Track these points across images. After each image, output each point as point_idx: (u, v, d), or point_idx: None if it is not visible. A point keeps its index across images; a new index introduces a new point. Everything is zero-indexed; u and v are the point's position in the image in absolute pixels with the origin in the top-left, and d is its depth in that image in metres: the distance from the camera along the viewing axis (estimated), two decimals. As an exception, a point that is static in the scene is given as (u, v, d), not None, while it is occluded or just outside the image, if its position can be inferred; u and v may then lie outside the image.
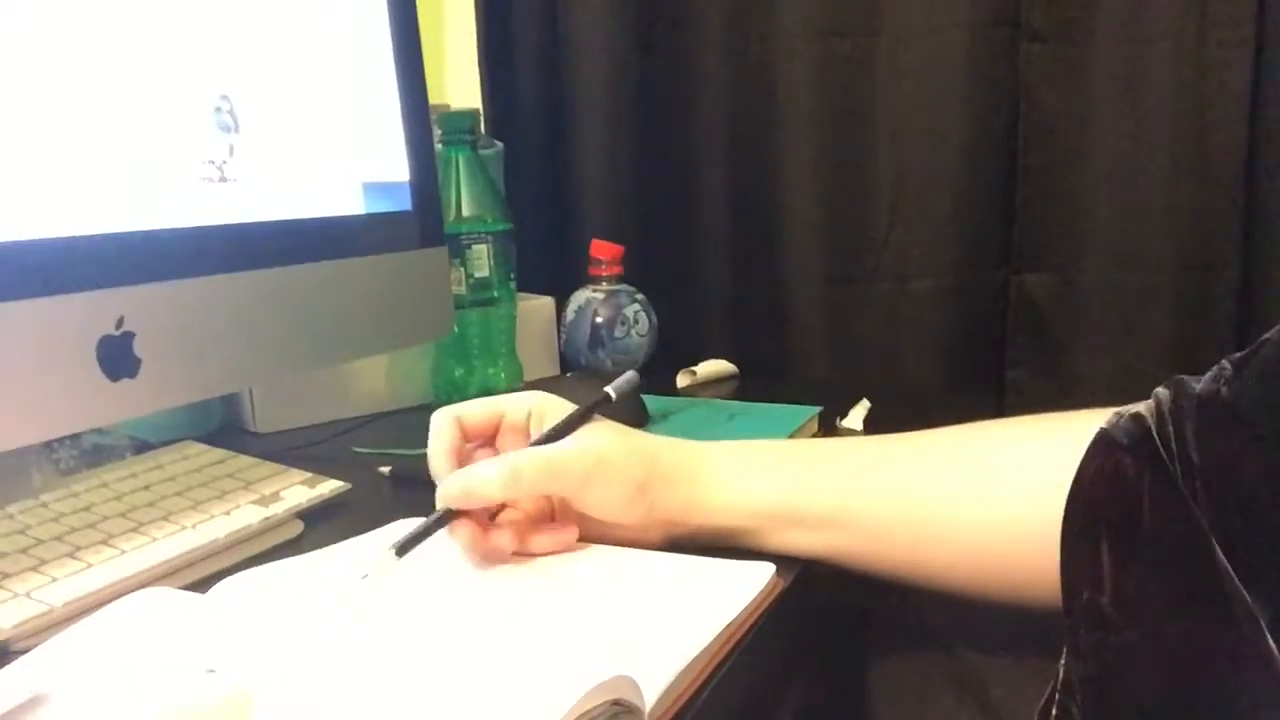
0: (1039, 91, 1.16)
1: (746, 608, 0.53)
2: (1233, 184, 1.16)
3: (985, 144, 1.17)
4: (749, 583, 0.54)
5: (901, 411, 0.94)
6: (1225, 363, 0.49)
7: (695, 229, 1.22)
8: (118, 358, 0.60)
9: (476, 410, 0.62)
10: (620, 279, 1.07)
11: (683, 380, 1.06)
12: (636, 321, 1.06)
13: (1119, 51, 1.14)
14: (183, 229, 0.65)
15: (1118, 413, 0.51)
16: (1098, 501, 0.49)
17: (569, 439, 0.60)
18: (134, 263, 0.62)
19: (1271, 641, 0.43)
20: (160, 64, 0.64)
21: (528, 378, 1.01)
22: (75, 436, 0.73)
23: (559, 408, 0.61)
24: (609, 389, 0.65)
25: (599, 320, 1.05)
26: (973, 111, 1.17)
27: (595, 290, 1.07)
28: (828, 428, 0.87)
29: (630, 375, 0.66)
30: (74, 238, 0.58)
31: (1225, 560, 0.45)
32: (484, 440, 0.63)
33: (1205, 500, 0.46)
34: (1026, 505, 0.53)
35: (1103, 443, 0.50)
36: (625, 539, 0.60)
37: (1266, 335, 0.48)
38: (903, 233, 1.19)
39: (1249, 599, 0.44)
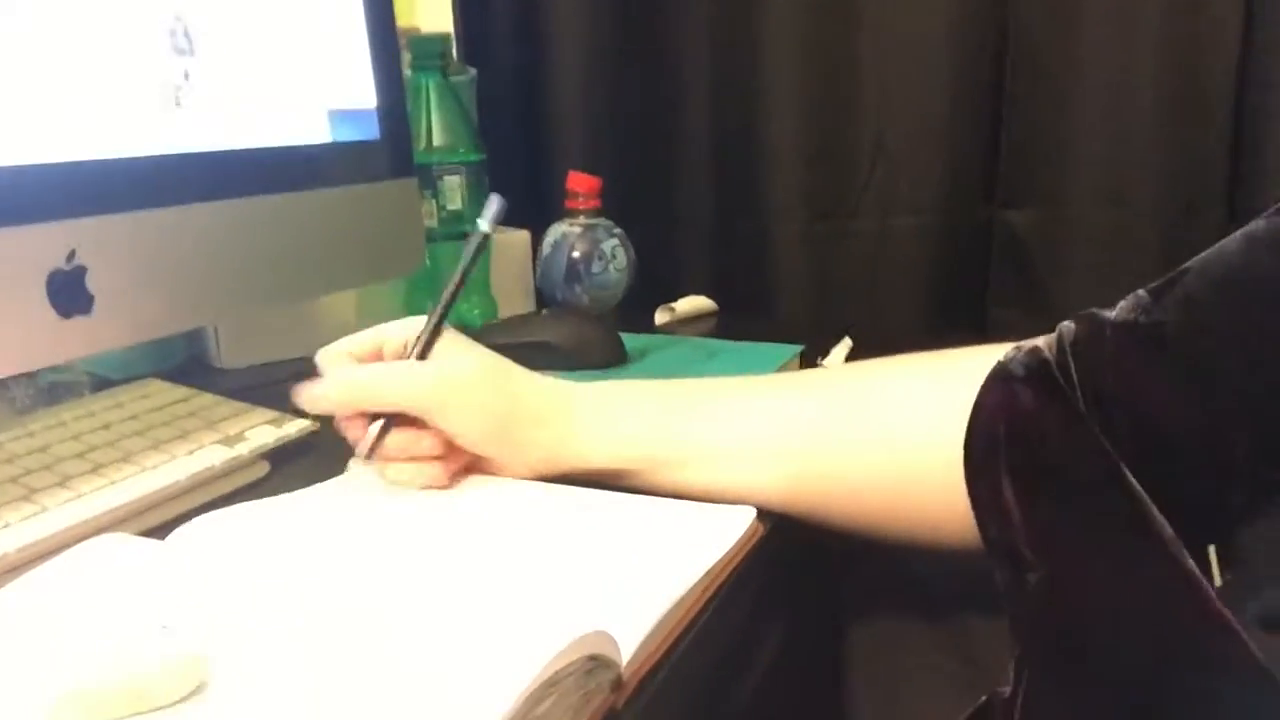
0: (1027, 26, 1.13)
1: (725, 555, 0.51)
2: (1223, 122, 1.15)
3: (971, 79, 1.15)
4: (728, 529, 0.53)
5: (883, 350, 0.92)
6: (1142, 291, 0.48)
7: (675, 162, 1.19)
8: (69, 293, 0.57)
9: (361, 342, 0.62)
10: (598, 212, 1.05)
11: (661, 317, 1.04)
12: (614, 256, 1.03)
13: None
14: (137, 158, 0.62)
15: (1016, 346, 0.50)
16: (996, 436, 0.48)
17: (432, 359, 0.59)
18: (85, 193, 0.58)
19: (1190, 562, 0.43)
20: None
21: (503, 313, 0.98)
22: (31, 374, 0.70)
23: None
24: (481, 221, 0.63)
25: (575, 255, 1.02)
26: (958, 47, 1.14)
27: (572, 224, 1.04)
28: (809, 366, 0.85)
29: (495, 198, 0.65)
30: (19, 167, 0.55)
31: (1139, 485, 0.44)
32: None
33: (1121, 427, 0.45)
34: (927, 444, 0.51)
35: (999, 376, 0.49)
36: (493, 472, 0.60)
37: (1187, 264, 0.48)
38: (886, 169, 1.16)
39: (1161, 519, 0.43)
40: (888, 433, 0.54)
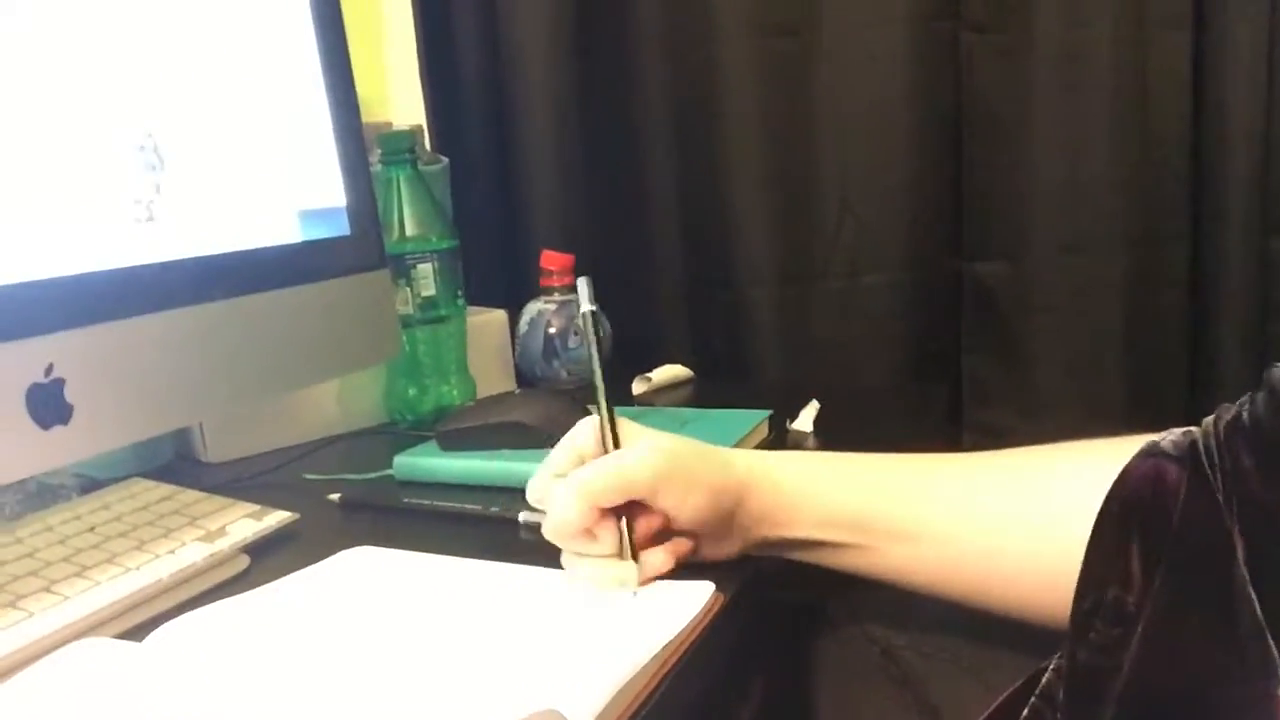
0: (981, 81, 1.17)
1: (684, 629, 0.53)
2: (1177, 161, 1.18)
3: (930, 135, 1.18)
4: (687, 603, 0.55)
5: (853, 409, 0.95)
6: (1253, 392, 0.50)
7: (646, 234, 1.22)
8: (48, 406, 0.60)
9: (560, 462, 0.60)
10: (572, 288, 1.07)
11: (638, 387, 1.06)
12: (589, 330, 1.06)
13: (1058, 36, 1.15)
14: (111, 270, 0.65)
15: (1171, 431, 0.52)
16: (1135, 501, 0.50)
17: (627, 445, 0.59)
18: (62, 308, 0.61)
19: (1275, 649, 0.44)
20: (80, 106, 0.64)
21: (484, 392, 1.00)
22: (18, 480, 0.72)
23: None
24: (583, 302, 0.64)
25: (552, 331, 1.05)
26: (916, 104, 1.17)
27: (547, 301, 1.07)
28: (779, 431, 0.87)
29: (583, 281, 0.65)
30: (-2, 286, 0.58)
31: (1244, 570, 0.45)
32: None
33: (1233, 515, 0.47)
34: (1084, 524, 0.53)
35: (1149, 452, 0.51)
36: (705, 553, 0.60)
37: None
38: (853, 228, 1.19)
39: (1259, 609, 0.45)
40: (1052, 513, 0.55)
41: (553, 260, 1.07)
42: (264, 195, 0.76)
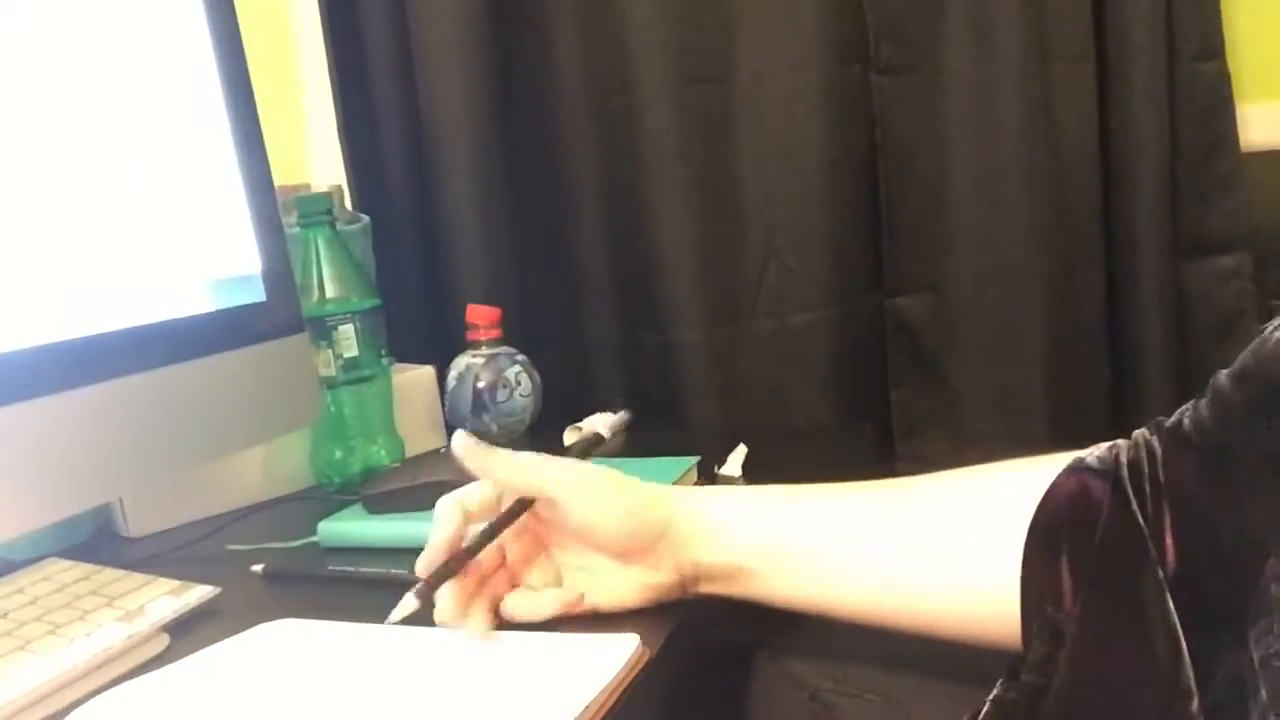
0: (893, 120, 1.20)
1: (610, 683, 0.53)
2: (1090, 193, 1.21)
3: (848, 176, 1.21)
4: (612, 657, 0.54)
5: (784, 450, 0.96)
6: (1199, 400, 0.51)
7: (573, 282, 1.23)
8: (-48, 491, 0.58)
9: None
10: (500, 341, 1.07)
11: (570, 437, 1.06)
12: (519, 383, 1.06)
13: (967, 76, 1.19)
14: (21, 350, 0.64)
15: (1098, 446, 0.53)
16: (1062, 519, 0.51)
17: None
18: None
19: (1189, 672, 0.45)
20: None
21: (413, 450, 1.00)
22: (-70, 567, 0.70)
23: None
24: (600, 430, 0.67)
25: (480, 385, 1.05)
26: (833, 145, 1.20)
27: (475, 355, 1.06)
28: (708, 476, 0.87)
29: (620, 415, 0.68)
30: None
31: (1165, 585, 0.46)
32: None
33: (1176, 530, 0.48)
34: (997, 559, 0.53)
35: (1072, 466, 0.52)
36: (635, 587, 0.61)
37: (1221, 374, 0.50)
38: (777, 268, 1.21)
39: (1179, 624, 0.46)
40: (960, 543, 0.56)
41: (479, 314, 1.07)
42: (176, 265, 0.75)
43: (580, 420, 1.08)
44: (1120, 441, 0.53)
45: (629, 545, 0.60)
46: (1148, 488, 0.49)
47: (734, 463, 0.88)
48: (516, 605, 0.60)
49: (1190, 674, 0.45)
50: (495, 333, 1.07)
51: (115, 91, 0.72)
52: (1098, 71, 1.20)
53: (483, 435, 1.04)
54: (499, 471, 0.62)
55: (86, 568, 0.72)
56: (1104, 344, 1.24)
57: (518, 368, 1.06)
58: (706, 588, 0.61)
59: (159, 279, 0.74)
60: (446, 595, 0.58)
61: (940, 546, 0.57)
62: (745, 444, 0.91)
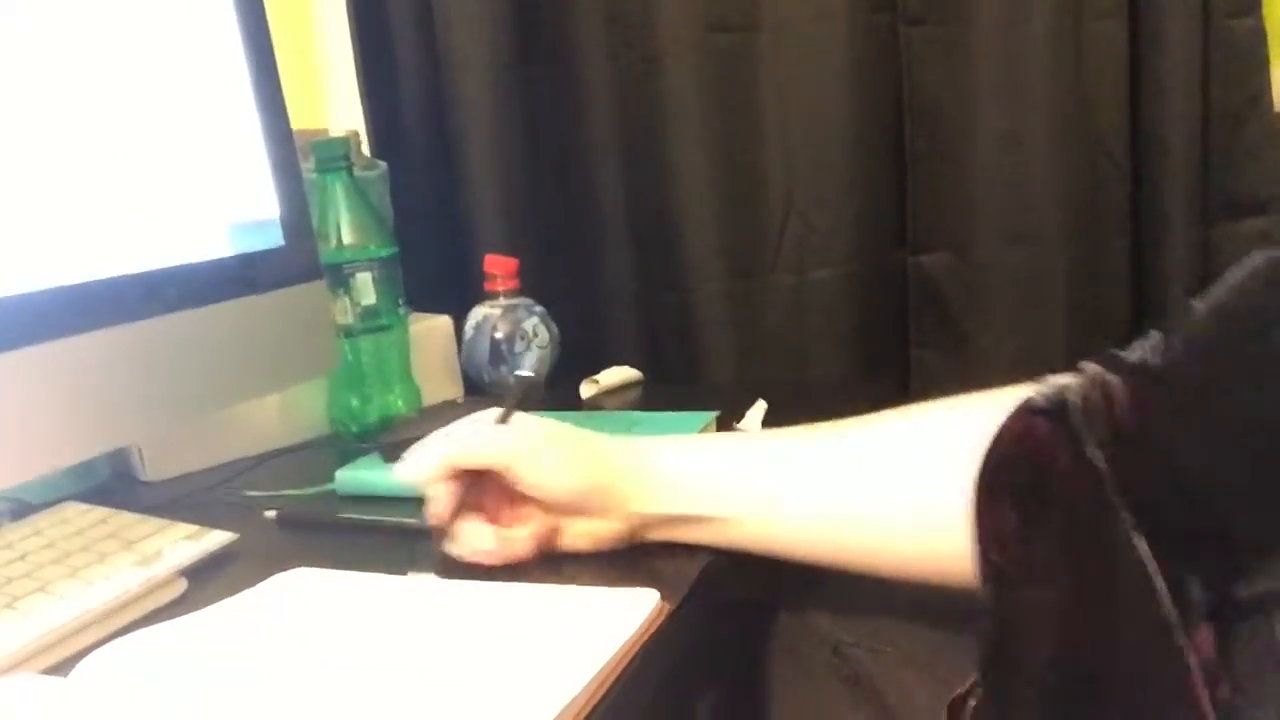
0: (921, 73, 1.18)
1: (630, 638, 0.52)
2: (1118, 153, 1.19)
3: (873, 129, 1.19)
4: (631, 611, 0.54)
5: (802, 406, 0.94)
6: (1155, 332, 0.50)
7: (592, 235, 1.21)
8: (-33, 433, 0.58)
9: None
10: (518, 292, 1.06)
11: (587, 390, 1.06)
12: (536, 335, 1.05)
13: (997, 29, 1.16)
14: (40, 291, 0.63)
15: (1049, 383, 0.52)
16: (1008, 461, 0.50)
17: (512, 423, 0.64)
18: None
19: (1170, 606, 0.44)
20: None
21: (430, 400, 1.00)
22: (-53, 507, 0.70)
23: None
24: (523, 372, 0.67)
25: (498, 336, 1.04)
26: (858, 98, 1.18)
27: (493, 306, 1.05)
28: (727, 430, 0.86)
29: (535, 352, 0.68)
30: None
31: (1130, 527, 0.45)
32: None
33: (1141, 467, 0.47)
34: (940, 492, 0.53)
35: (1024, 408, 0.51)
36: (587, 536, 0.62)
37: (1195, 302, 0.49)
38: (798, 223, 1.19)
39: (1150, 563, 0.45)
40: (908, 484, 0.56)
41: (497, 264, 1.06)
42: (194, 209, 0.74)
43: (597, 373, 1.08)
44: (1069, 379, 0.51)
45: (577, 505, 0.62)
46: (1105, 427, 0.48)
47: (753, 418, 0.88)
48: (492, 542, 0.62)
49: (1170, 609, 0.44)
50: (513, 283, 1.06)
51: (134, 36, 0.71)
52: (1130, 29, 1.17)
53: (499, 386, 1.04)
54: (442, 457, 0.63)
55: (104, 511, 0.71)
56: (1128, 307, 1.22)
57: (535, 319, 1.05)
58: (655, 535, 0.63)
59: (177, 223, 0.73)
60: (478, 539, 0.62)
61: (896, 479, 0.57)
62: (764, 399, 0.90)
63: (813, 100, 1.17)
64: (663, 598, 0.56)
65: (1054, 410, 0.50)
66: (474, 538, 0.62)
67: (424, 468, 0.63)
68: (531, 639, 0.53)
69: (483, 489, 0.63)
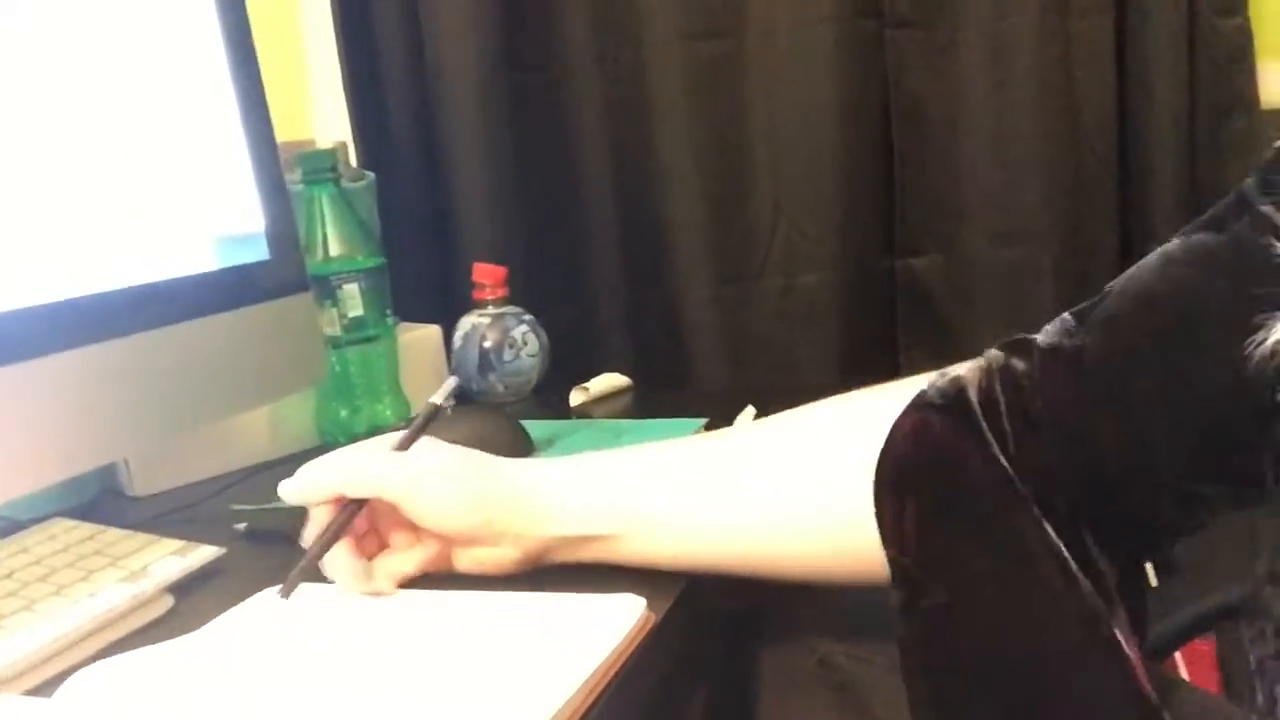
0: (908, 77, 1.18)
1: (617, 647, 0.52)
2: (1106, 152, 1.19)
3: (859, 133, 1.19)
4: (618, 620, 0.54)
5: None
6: (1068, 315, 0.49)
7: (580, 242, 1.22)
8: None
9: None
10: (506, 301, 1.06)
11: (576, 398, 1.06)
12: (525, 343, 1.05)
13: (982, 30, 1.17)
14: (26, 308, 0.63)
15: (942, 373, 0.51)
16: (904, 460, 0.49)
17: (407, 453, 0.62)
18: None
19: (1092, 593, 0.44)
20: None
21: (418, 410, 0.99)
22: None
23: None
24: (434, 399, 0.68)
25: (487, 345, 1.04)
26: (845, 102, 1.18)
27: (481, 314, 1.05)
28: (716, 437, 0.86)
29: (450, 381, 0.70)
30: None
31: (1041, 518, 0.45)
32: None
33: (1052, 451, 0.46)
34: (835, 492, 0.53)
35: (917, 404, 0.50)
36: (482, 562, 0.61)
37: (1110, 285, 0.49)
38: (787, 228, 1.20)
39: (1066, 553, 0.44)
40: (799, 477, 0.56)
41: (485, 273, 1.05)
42: (180, 223, 0.74)
43: (587, 381, 1.08)
44: (962, 368, 0.51)
45: (467, 537, 0.60)
46: (1010, 423, 0.47)
47: (742, 424, 0.87)
48: (387, 565, 0.62)
49: (1094, 599, 0.44)
50: (501, 292, 1.05)
51: (117, 48, 0.71)
52: (1116, 26, 1.17)
53: (488, 395, 1.04)
54: (329, 482, 0.62)
55: (91, 527, 0.71)
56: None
57: (524, 327, 1.05)
58: (560, 556, 0.61)
59: (162, 237, 0.73)
60: (343, 570, 0.60)
61: (786, 482, 0.56)
62: (753, 405, 0.90)
63: (800, 104, 1.18)
64: (649, 607, 0.56)
65: (949, 404, 0.49)
66: (338, 568, 0.61)
67: (307, 490, 0.62)
68: (518, 647, 0.53)
69: (377, 511, 0.63)
